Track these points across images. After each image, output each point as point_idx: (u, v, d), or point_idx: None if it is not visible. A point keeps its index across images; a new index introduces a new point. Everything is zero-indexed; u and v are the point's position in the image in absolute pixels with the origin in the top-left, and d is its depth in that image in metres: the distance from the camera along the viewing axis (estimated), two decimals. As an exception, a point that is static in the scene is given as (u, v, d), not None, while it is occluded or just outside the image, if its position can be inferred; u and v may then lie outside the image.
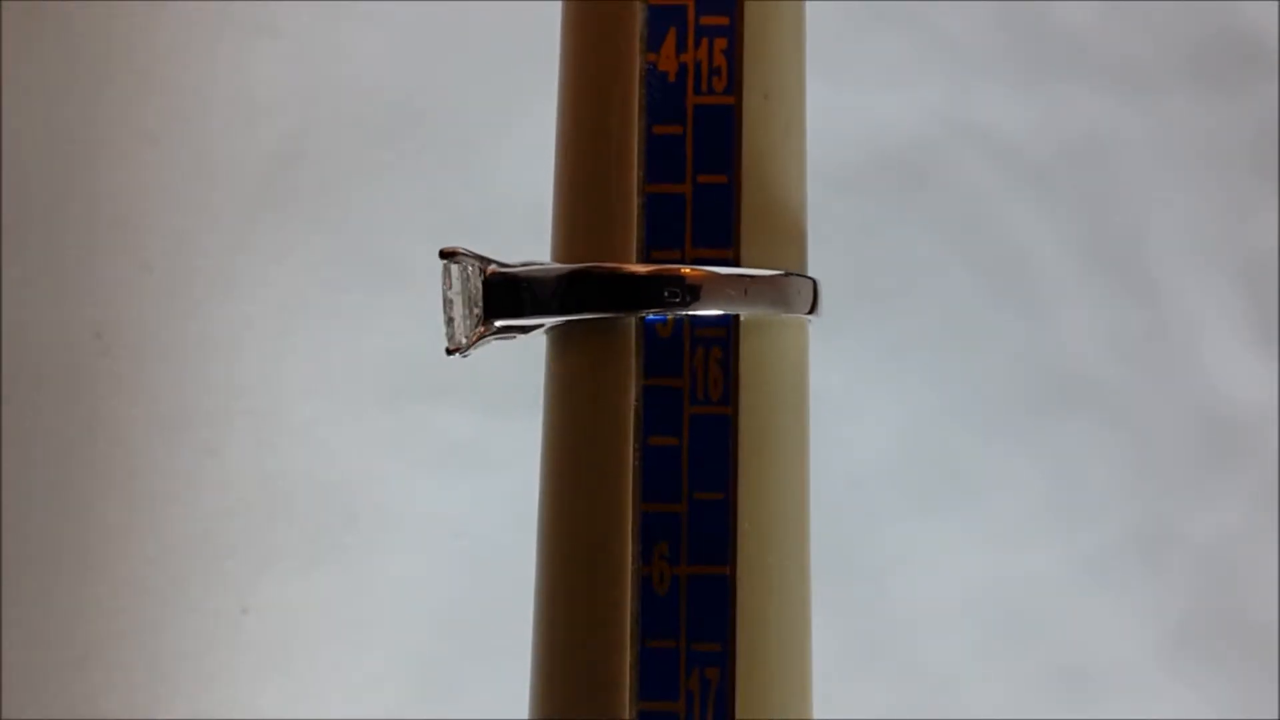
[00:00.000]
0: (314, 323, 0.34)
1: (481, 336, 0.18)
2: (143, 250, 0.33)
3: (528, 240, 0.34)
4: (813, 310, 0.18)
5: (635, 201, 0.17)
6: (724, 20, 0.18)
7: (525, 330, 0.18)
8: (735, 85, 0.18)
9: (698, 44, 0.17)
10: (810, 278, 0.18)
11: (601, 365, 0.17)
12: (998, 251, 0.37)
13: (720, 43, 0.17)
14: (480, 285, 0.17)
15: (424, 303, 0.35)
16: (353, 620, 0.33)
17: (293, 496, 0.33)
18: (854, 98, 0.36)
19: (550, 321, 0.18)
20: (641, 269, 0.17)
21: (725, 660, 0.17)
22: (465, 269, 0.17)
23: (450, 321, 0.18)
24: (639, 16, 0.17)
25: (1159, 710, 0.36)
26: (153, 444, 0.33)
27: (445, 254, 0.17)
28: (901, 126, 0.37)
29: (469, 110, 0.35)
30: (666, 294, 0.17)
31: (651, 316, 0.17)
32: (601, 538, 0.17)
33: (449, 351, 0.18)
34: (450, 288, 0.18)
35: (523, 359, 0.34)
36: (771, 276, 0.17)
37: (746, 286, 0.17)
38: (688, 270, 0.17)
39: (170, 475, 0.33)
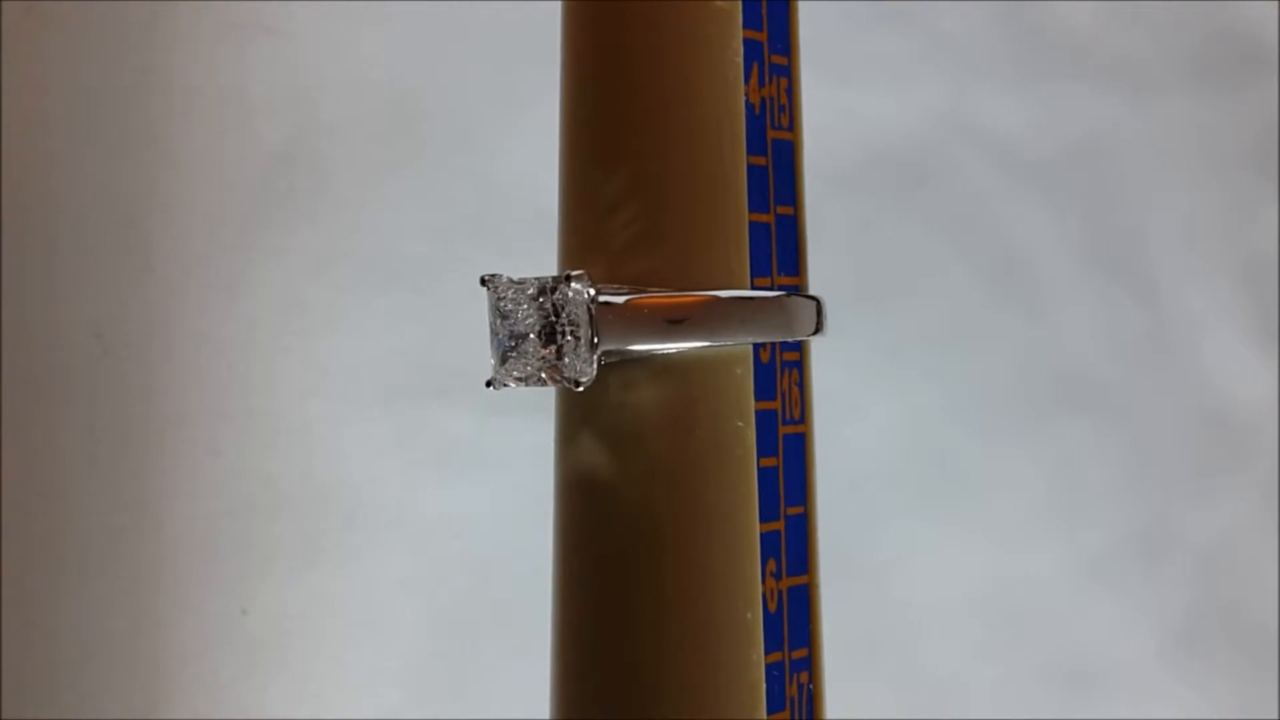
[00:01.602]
0: (314, 323, 0.34)
1: (599, 365, 0.16)
2: (143, 250, 0.33)
3: (528, 241, 0.34)
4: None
5: (745, 230, 0.17)
6: (784, 60, 0.18)
7: (630, 357, 0.17)
8: (794, 123, 0.18)
9: (771, 80, 0.18)
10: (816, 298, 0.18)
11: (722, 391, 0.17)
12: (998, 251, 0.37)
13: (783, 81, 0.18)
14: (587, 312, 0.16)
15: (424, 303, 0.35)
16: (353, 620, 0.33)
17: (293, 496, 0.33)
18: (854, 98, 0.36)
19: (676, 348, 0.17)
20: (789, 294, 0.17)
21: (811, 663, 0.18)
22: (574, 294, 0.16)
23: (555, 349, 0.16)
24: (740, 50, 0.18)
25: (1159, 710, 0.36)
26: (153, 444, 0.33)
27: (567, 278, 0.16)
28: (902, 126, 0.37)
29: (470, 111, 0.35)
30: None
31: (760, 342, 0.17)
32: (737, 563, 0.17)
33: (576, 384, 0.16)
34: (534, 313, 0.16)
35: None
36: (808, 300, 0.18)
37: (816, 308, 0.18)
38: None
39: (170, 475, 0.33)
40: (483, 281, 0.17)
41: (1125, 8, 0.38)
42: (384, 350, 0.34)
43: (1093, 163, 0.38)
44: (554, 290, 0.16)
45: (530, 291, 0.16)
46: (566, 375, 0.16)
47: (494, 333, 0.17)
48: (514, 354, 0.16)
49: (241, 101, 0.34)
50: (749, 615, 0.17)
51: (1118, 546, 0.37)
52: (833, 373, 0.35)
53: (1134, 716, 0.36)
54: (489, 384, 0.17)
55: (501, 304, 0.16)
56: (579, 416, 0.18)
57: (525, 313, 0.16)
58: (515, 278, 0.16)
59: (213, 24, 0.34)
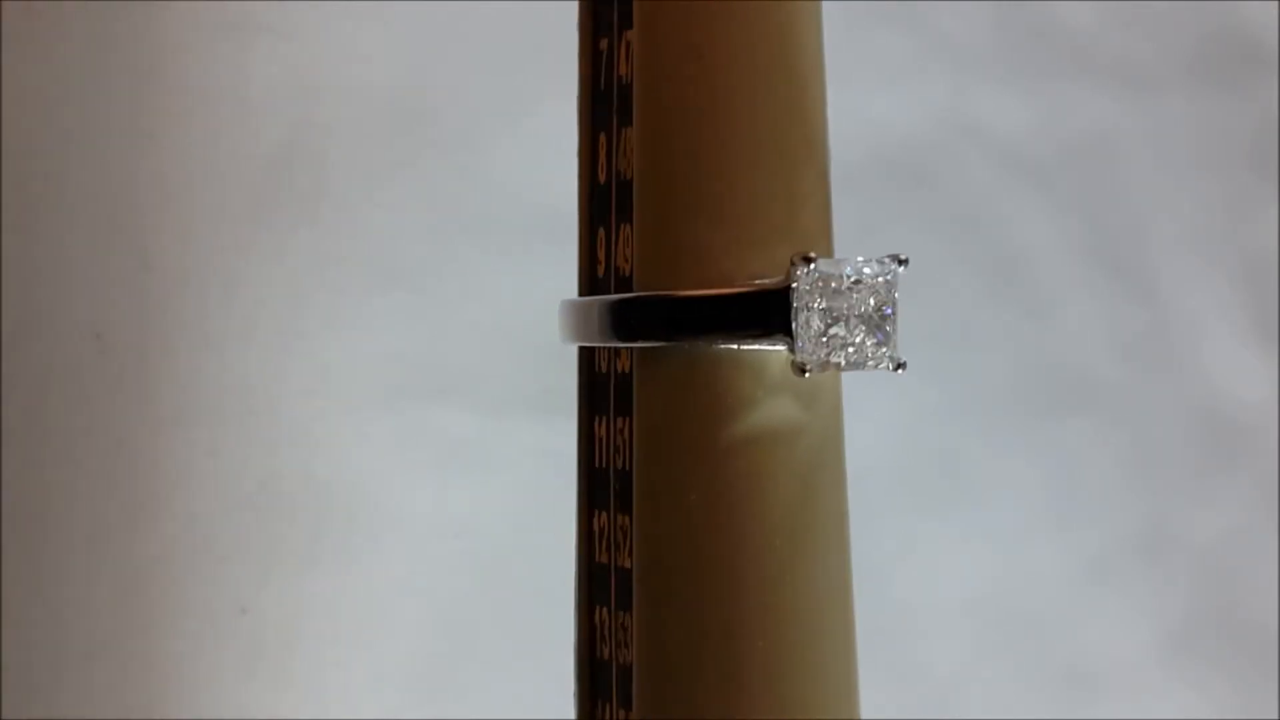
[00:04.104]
0: (314, 323, 0.34)
1: None
2: (143, 249, 0.33)
3: (529, 241, 0.34)
4: None
5: None
6: None
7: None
8: None
9: None
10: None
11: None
12: (998, 251, 0.37)
13: None
14: (894, 295, 0.17)
15: (424, 303, 0.35)
16: (353, 620, 0.33)
17: (292, 496, 0.33)
18: (854, 98, 0.36)
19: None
20: None
21: None
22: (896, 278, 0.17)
23: (881, 337, 0.17)
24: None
25: (1159, 710, 0.36)
26: (153, 444, 0.33)
27: (901, 260, 0.17)
28: (902, 126, 0.37)
29: (471, 111, 0.35)
30: None
31: None
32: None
33: (897, 366, 0.17)
34: (863, 300, 0.17)
35: (521, 359, 0.34)
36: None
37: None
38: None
39: (170, 475, 0.33)
40: (807, 259, 0.17)
41: (1125, 8, 0.38)
42: (384, 350, 0.34)
43: (1093, 163, 0.38)
44: (882, 274, 0.17)
45: (866, 273, 0.17)
46: (889, 356, 0.17)
47: (824, 316, 0.17)
48: (844, 339, 0.17)
49: (241, 101, 0.34)
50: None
51: (1118, 546, 0.37)
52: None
53: (1134, 717, 0.36)
54: (804, 371, 0.17)
55: (836, 286, 0.17)
56: (774, 377, 0.18)
57: (858, 297, 0.17)
58: (853, 259, 0.17)
59: (213, 24, 0.34)
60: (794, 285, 0.17)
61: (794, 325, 0.17)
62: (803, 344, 0.17)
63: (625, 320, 0.17)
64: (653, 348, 0.17)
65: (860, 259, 0.17)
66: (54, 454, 0.32)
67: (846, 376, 0.18)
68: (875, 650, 0.35)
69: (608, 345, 0.18)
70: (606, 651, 0.18)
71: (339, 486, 0.33)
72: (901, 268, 0.17)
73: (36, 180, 0.33)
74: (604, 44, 0.18)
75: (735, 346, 0.17)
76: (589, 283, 0.19)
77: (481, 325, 0.34)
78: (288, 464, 0.33)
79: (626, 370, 0.18)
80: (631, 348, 0.18)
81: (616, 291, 0.18)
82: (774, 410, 0.18)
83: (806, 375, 0.17)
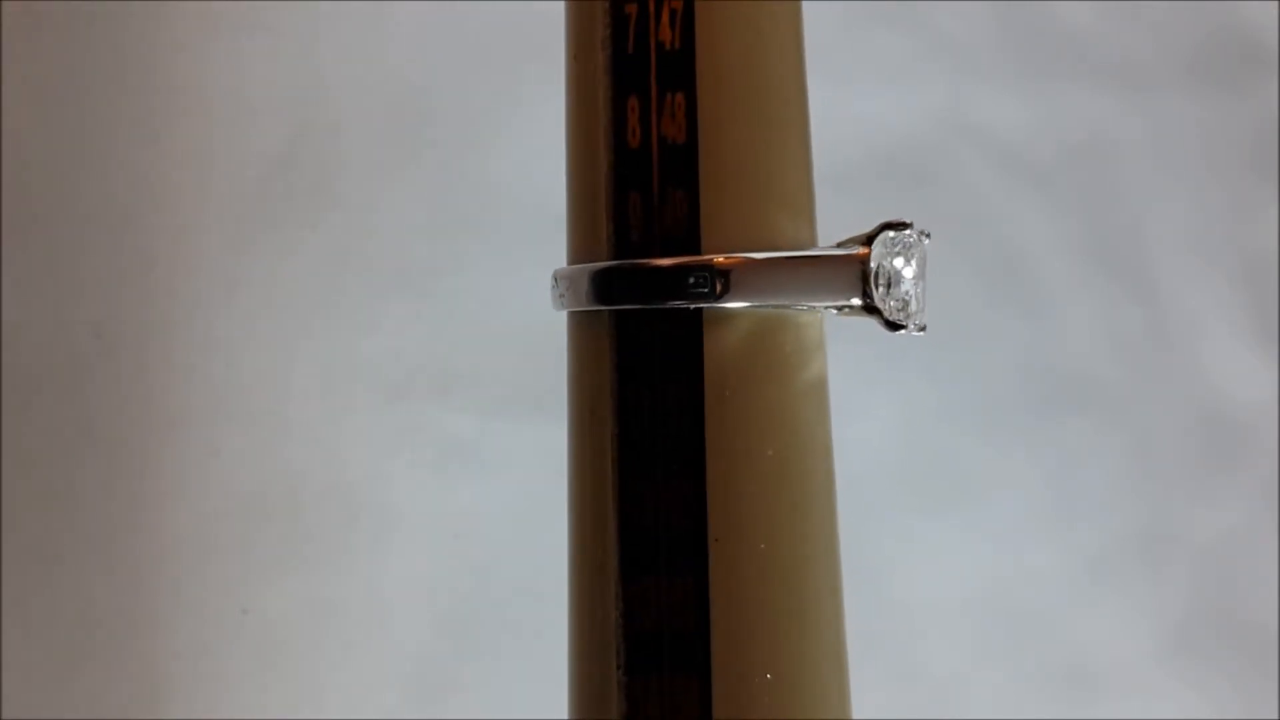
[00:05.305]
0: (314, 323, 0.34)
1: None
2: (143, 249, 0.33)
3: (531, 241, 0.34)
4: None
5: None
6: None
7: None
8: None
9: None
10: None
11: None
12: (998, 251, 0.37)
13: None
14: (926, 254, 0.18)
15: (424, 303, 0.35)
16: (353, 620, 0.33)
17: (293, 496, 0.33)
18: (854, 98, 0.36)
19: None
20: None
21: None
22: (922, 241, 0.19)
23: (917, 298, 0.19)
24: None
25: (1159, 710, 0.36)
26: (153, 444, 0.33)
27: (925, 234, 0.19)
28: (902, 126, 0.37)
29: (472, 111, 0.35)
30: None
31: None
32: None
33: (923, 329, 0.19)
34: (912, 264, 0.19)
35: (522, 358, 0.34)
36: None
37: None
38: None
39: (170, 475, 0.33)
40: (892, 226, 0.19)
41: (1125, 8, 0.38)
42: (384, 350, 0.34)
43: (1093, 163, 0.38)
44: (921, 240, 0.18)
45: (917, 239, 0.19)
46: (920, 316, 0.19)
47: (908, 281, 0.19)
48: (920, 299, 0.19)
49: (241, 101, 0.34)
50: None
51: (1118, 546, 0.37)
52: (833, 373, 0.35)
53: (1134, 716, 0.36)
54: (897, 328, 0.18)
55: (914, 250, 0.19)
56: (816, 335, 0.20)
57: (917, 263, 0.19)
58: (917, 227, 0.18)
59: (213, 23, 0.34)
60: (884, 249, 0.18)
61: (899, 288, 0.18)
62: (899, 304, 0.18)
63: (715, 282, 0.18)
64: (726, 310, 0.18)
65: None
66: (54, 454, 0.32)
67: (846, 373, 0.19)
68: (875, 650, 0.35)
69: (686, 306, 0.18)
70: (652, 622, 0.18)
71: (339, 486, 0.33)
72: (926, 240, 0.19)
73: (37, 179, 0.33)
74: (631, 9, 0.18)
75: (804, 307, 0.18)
76: (614, 249, 0.18)
77: (481, 325, 0.34)
78: (288, 464, 0.33)
79: (683, 335, 0.18)
80: (716, 309, 0.18)
81: (665, 256, 0.18)
82: (820, 364, 0.19)
83: (900, 333, 0.18)
